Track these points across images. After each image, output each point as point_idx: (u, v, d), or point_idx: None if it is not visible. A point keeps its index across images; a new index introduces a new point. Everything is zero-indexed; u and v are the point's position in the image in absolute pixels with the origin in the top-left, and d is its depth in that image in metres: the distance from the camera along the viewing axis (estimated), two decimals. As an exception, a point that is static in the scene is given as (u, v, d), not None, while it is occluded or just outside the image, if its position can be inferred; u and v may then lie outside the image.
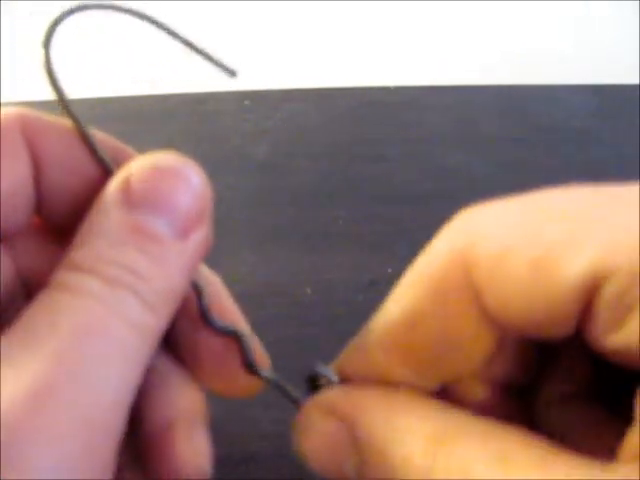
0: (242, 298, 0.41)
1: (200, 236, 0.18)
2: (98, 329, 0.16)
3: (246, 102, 0.53)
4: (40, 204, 0.19)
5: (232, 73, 0.23)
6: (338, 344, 0.38)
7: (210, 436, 0.33)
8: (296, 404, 0.21)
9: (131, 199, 0.17)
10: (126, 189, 0.18)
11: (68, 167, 0.19)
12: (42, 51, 0.20)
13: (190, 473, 0.19)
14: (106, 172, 0.19)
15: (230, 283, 0.41)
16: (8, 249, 0.20)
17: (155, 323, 0.17)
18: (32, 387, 0.15)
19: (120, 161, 0.19)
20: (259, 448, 0.33)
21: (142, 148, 0.21)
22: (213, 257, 0.43)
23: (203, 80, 0.56)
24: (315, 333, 0.38)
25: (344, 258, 0.42)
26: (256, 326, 0.39)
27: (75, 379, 0.15)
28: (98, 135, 0.20)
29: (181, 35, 0.22)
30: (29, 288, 0.20)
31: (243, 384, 0.21)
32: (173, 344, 0.21)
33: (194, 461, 0.19)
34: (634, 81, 0.55)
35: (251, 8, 0.63)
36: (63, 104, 0.20)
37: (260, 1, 0.64)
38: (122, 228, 0.17)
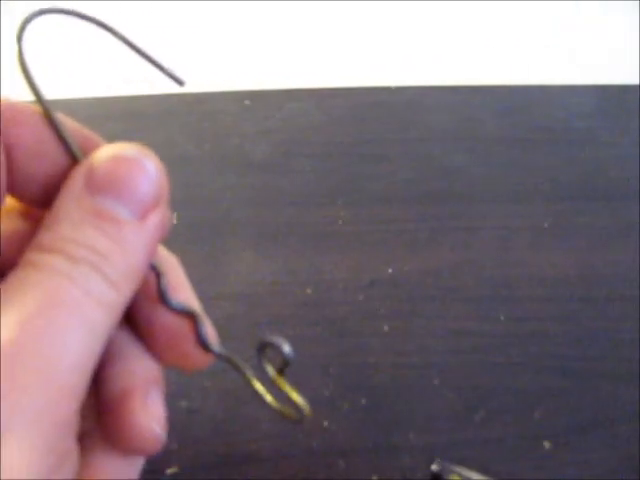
0: (242, 298, 0.41)
1: (157, 219, 0.20)
2: (62, 300, 0.18)
3: (246, 102, 0.53)
4: (13, 188, 0.21)
5: (180, 82, 0.24)
6: (338, 344, 0.38)
7: (210, 436, 0.33)
8: (243, 375, 0.23)
9: (93, 185, 0.19)
10: (89, 176, 0.20)
11: (40, 153, 0.21)
12: (16, 45, 0.22)
13: (146, 438, 0.21)
14: (74, 159, 0.21)
15: (230, 283, 0.41)
16: None
17: (117, 298, 0.19)
18: None
19: (89, 149, 0.21)
20: (259, 448, 0.33)
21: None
22: (213, 257, 0.43)
23: (203, 80, 0.56)
24: (315, 333, 0.38)
25: (344, 258, 0.42)
26: (256, 326, 0.39)
27: (38, 344, 0.17)
28: (68, 123, 0.21)
29: (133, 43, 0.22)
30: (3, 270, 0.21)
31: (194, 359, 0.23)
32: (132, 319, 0.23)
33: (149, 426, 0.21)
34: (634, 81, 0.55)
35: (251, 8, 0.63)
36: (34, 92, 0.21)
37: (260, 1, 0.64)
38: (85, 211, 0.19)
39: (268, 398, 0.23)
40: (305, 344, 0.37)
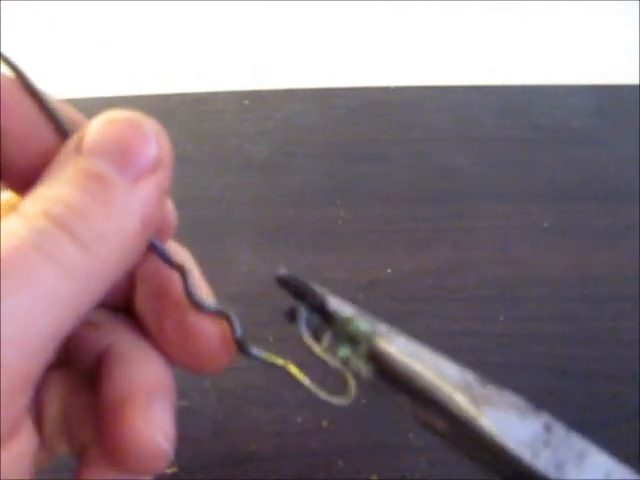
0: (242, 298, 0.41)
1: (153, 184, 0.18)
2: (14, 261, 0.15)
3: (246, 102, 0.53)
4: (5, 177, 0.19)
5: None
6: (338, 344, 0.38)
7: (210, 436, 0.33)
8: (284, 370, 0.22)
9: (82, 148, 0.17)
10: (79, 139, 0.18)
11: (29, 133, 0.19)
12: None
13: (146, 450, 0.19)
14: (64, 136, 0.19)
15: (230, 283, 0.41)
16: None
17: (88, 264, 0.16)
18: None
19: (76, 126, 0.19)
20: (259, 448, 0.33)
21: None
22: (213, 257, 0.43)
23: (203, 80, 0.56)
24: (315, 333, 0.38)
25: (344, 258, 0.42)
26: (256, 326, 0.39)
27: None
28: (56, 102, 0.20)
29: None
30: None
31: (223, 361, 0.21)
32: (138, 319, 0.21)
33: (150, 437, 0.18)
34: (634, 81, 0.55)
35: (251, 8, 0.63)
36: (14, 71, 0.19)
37: (261, 1, 0.64)
38: (69, 171, 0.17)
39: (322, 394, 0.22)
40: (305, 344, 0.37)
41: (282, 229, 0.43)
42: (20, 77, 0.19)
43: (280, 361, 0.22)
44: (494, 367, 0.37)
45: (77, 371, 0.21)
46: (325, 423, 0.34)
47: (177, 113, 0.51)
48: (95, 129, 0.18)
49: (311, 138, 0.50)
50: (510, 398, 0.20)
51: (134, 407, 0.19)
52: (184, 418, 0.34)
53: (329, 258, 0.42)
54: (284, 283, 0.23)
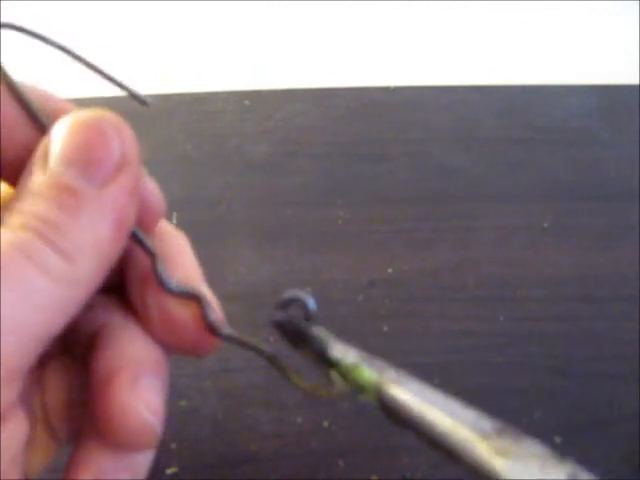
0: (242, 298, 0.41)
1: (121, 185, 0.19)
2: (7, 267, 0.16)
3: (246, 102, 0.53)
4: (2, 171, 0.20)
5: (144, 102, 0.23)
6: (338, 344, 0.38)
7: (210, 436, 0.33)
8: (261, 354, 0.22)
9: (49, 157, 0.18)
10: (45, 149, 0.18)
11: (14, 127, 0.20)
12: None
13: (133, 425, 0.19)
14: (42, 130, 0.19)
15: (230, 283, 0.41)
16: None
17: (74, 272, 0.18)
18: None
19: (57, 116, 0.19)
20: (259, 448, 0.33)
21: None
22: (213, 257, 0.43)
23: (203, 80, 0.56)
24: (315, 333, 0.38)
25: (344, 258, 0.42)
26: (256, 326, 0.39)
27: None
28: (36, 93, 0.20)
29: (97, 66, 0.21)
30: None
31: (201, 343, 0.21)
32: (131, 302, 0.22)
33: (137, 411, 0.19)
34: (634, 81, 0.55)
35: (251, 8, 0.63)
36: None
37: (260, 1, 0.64)
38: (40, 184, 0.18)
39: (295, 378, 0.21)
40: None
41: (282, 229, 0.43)
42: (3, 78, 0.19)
43: (254, 340, 0.22)
44: (494, 367, 0.37)
45: (75, 356, 0.22)
46: (325, 423, 0.34)
47: (177, 113, 0.51)
48: (59, 137, 0.18)
49: (311, 138, 0.50)
50: (530, 447, 0.18)
51: (120, 382, 0.19)
52: (184, 418, 0.34)
53: (329, 258, 0.42)
54: (281, 327, 0.22)
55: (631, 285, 0.41)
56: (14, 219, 0.17)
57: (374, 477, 0.32)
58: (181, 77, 0.56)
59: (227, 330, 0.21)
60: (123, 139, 0.19)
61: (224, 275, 0.40)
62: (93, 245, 0.18)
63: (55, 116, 0.19)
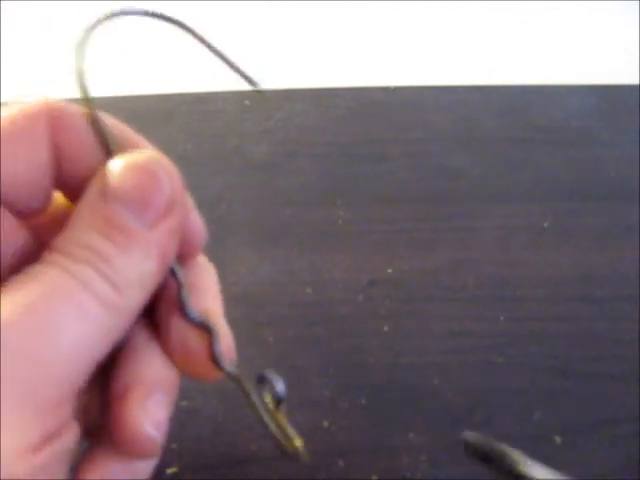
0: (242, 298, 0.41)
1: (169, 226, 0.21)
2: (63, 293, 0.18)
3: (246, 102, 0.53)
4: (60, 184, 0.22)
5: (254, 84, 0.26)
6: (338, 344, 0.38)
7: (210, 436, 0.33)
8: (248, 399, 0.23)
9: (105, 192, 0.20)
10: (103, 183, 0.20)
11: (85, 153, 0.22)
12: (76, 50, 0.23)
13: (138, 439, 0.21)
14: (109, 156, 0.21)
15: (230, 283, 0.41)
16: (28, 224, 0.22)
17: (122, 302, 0.20)
18: None
19: (128, 149, 0.22)
20: (259, 448, 0.33)
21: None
22: (213, 257, 0.43)
23: (203, 80, 0.56)
24: (315, 333, 0.38)
25: (344, 258, 0.42)
26: (256, 326, 0.39)
27: (36, 329, 0.18)
28: (111, 124, 0.23)
29: (211, 43, 0.24)
30: None
31: (205, 372, 0.23)
32: (154, 322, 0.24)
33: (142, 427, 0.21)
34: (634, 81, 0.55)
35: (251, 8, 0.63)
36: (85, 99, 0.22)
37: (260, 1, 0.64)
38: (95, 217, 0.20)
39: (271, 427, 0.23)
40: (305, 344, 0.37)
41: (282, 229, 0.43)
42: (86, 102, 0.22)
43: (249, 388, 0.24)
44: (494, 367, 0.37)
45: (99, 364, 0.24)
46: (325, 423, 0.34)
47: (177, 113, 0.51)
48: (116, 176, 0.20)
49: (311, 138, 0.50)
50: None
51: (133, 397, 0.21)
52: (185, 418, 0.34)
53: (329, 258, 0.42)
54: (472, 448, 0.23)
55: (631, 285, 0.41)
56: (73, 248, 0.19)
57: (374, 477, 0.32)
58: (181, 77, 0.56)
59: (230, 368, 0.23)
60: (174, 184, 0.21)
61: (224, 275, 0.40)
62: (139, 278, 0.20)
63: (124, 147, 0.22)
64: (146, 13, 0.24)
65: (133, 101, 0.52)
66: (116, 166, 0.20)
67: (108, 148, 0.22)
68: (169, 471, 0.32)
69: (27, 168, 0.21)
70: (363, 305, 0.39)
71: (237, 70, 0.25)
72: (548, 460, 0.33)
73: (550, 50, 0.61)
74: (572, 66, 0.59)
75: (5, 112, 0.21)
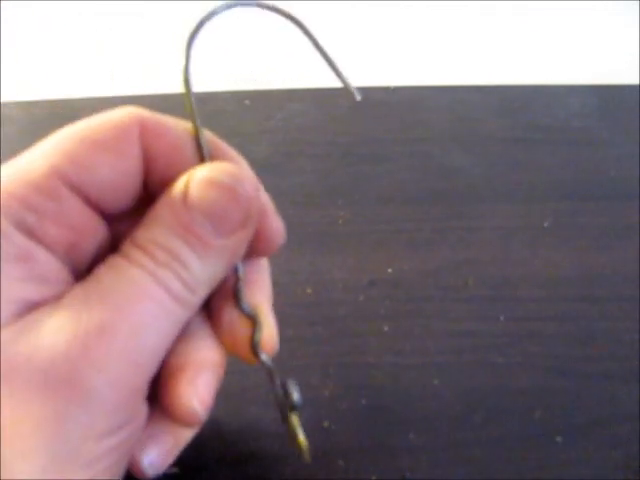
0: (242, 298, 0.41)
1: (241, 237, 0.23)
2: (148, 294, 0.21)
3: (246, 102, 0.53)
4: (147, 188, 0.24)
5: (356, 96, 0.29)
6: (338, 344, 0.38)
7: (210, 436, 0.33)
8: (275, 394, 0.26)
9: (188, 201, 0.22)
10: (186, 191, 0.22)
11: (172, 160, 0.24)
12: (184, 53, 0.26)
13: (185, 412, 0.24)
14: (201, 160, 0.24)
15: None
16: (115, 224, 0.25)
17: (194, 300, 0.22)
18: (92, 329, 0.20)
19: (215, 156, 0.24)
20: (259, 448, 0.33)
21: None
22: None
23: (203, 80, 0.56)
24: (315, 333, 0.38)
25: (344, 258, 0.42)
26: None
27: (126, 327, 0.20)
28: (206, 134, 0.25)
29: (323, 48, 0.26)
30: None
31: (246, 357, 0.26)
32: (210, 307, 0.26)
33: (189, 403, 0.24)
34: (634, 81, 0.55)
35: (251, 8, 0.63)
36: (190, 106, 0.26)
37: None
38: (176, 222, 0.22)
39: (290, 421, 0.26)
40: (305, 344, 0.37)
41: (282, 229, 0.43)
42: (192, 111, 0.25)
43: (281, 379, 0.27)
44: (494, 367, 0.37)
45: None
46: (325, 423, 0.34)
47: (177, 113, 0.51)
48: (199, 187, 0.22)
49: (311, 138, 0.50)
50: None
51: (185, 375, 0.24)
52: (184, 418, 0.34)
53: (329, 258, 0.42)
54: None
55: (631, 285, 0.41)
56: (155, 250, 0.21)
57: (374, 477, 0.32)
58: (181, 77, 0.56)
59: (265, 357, 0.26)
60: (250, 200, 0.23)
61: (224, 275, 0.40)
62: (209, 279, 0.23)
63: (216, 157, 0.24)
64: (259, 5, 0.28)
65: (133, 101, 0.51)
66: (200, 175, 0.22)
67: (202, 155, 0.24)
68: (170, 471, 0.32)
69: (116, 176, 0.23)
70: (363, 305, 0.39)
71: (340, 77, 0.28)
72: (548, 460, 0.33)
73: (550, 50, 0.61)
74: (572, 66, 0.59)
75: (98, 123, 0.23)
